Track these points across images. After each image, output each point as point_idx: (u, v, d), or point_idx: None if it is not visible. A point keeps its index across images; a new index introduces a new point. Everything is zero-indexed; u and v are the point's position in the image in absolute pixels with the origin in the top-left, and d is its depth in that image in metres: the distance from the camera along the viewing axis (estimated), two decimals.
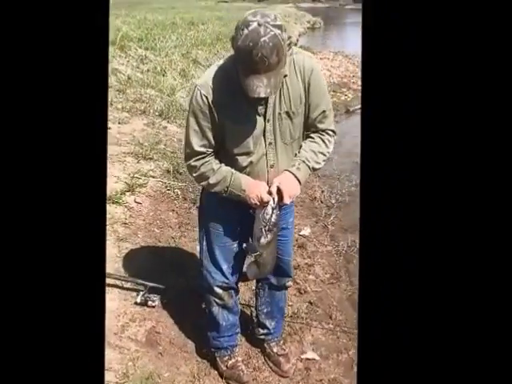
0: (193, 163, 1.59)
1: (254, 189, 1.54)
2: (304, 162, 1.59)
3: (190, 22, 10.89)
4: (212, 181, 1.57)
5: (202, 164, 1.57)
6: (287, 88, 1.51)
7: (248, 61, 1.30)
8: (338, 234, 3.16)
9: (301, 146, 1.62)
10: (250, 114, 1.52)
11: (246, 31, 1.28)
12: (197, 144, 1.55)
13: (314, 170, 1.64)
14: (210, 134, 1.54)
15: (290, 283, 2.02)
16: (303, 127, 1.60)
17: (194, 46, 8.18)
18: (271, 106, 1.51)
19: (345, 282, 2.65)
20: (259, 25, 1.28)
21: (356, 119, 6.00)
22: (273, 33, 1.28)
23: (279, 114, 1.53)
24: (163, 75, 6.04)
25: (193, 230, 2.82)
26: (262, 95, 1.35)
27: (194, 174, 1.61)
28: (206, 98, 1.49)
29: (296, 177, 1.57)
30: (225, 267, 1.78)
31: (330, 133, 1.64)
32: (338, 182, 3.93)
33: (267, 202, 1.52)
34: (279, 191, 1.53)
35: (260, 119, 1.53)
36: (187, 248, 2.73)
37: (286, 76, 1.48)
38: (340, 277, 2.69)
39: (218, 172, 1.57)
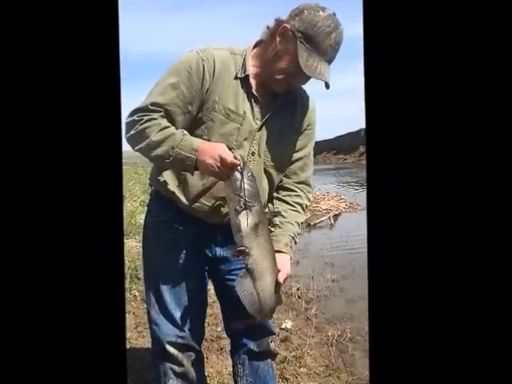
0: (137, 117, 1.17)
1: (210, 149, 1.12)
2: (293, 238, 1.31)
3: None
4: (155, 137, 1.15)
5: (149, 119, 1.17)
6: (291, 111, 1.31)
7: (322, 41, 1.17)
8: (323, 325, 2.79)
9: (283, 213, 1.33)
10: (244, 108, 1.24)
11: (324, 13, 1.17)
12: (157, 98, 1.19)
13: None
14: (178, 104, 1.20)
15: (275, 347, 1.48)
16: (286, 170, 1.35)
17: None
18: (270, 116, 1.26)
19: (344, 373, 2.16)
20: (334, 14, 1.19)
21: (317, 232, 6.28)
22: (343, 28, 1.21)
23: (271, 128, 1.27)
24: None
25: None
26: (322, 78, 1.18)
27: (132, 132, 1.17)
28: (203, 65, 1.21)
29: (291, 257, 1.30)
30: (178, 315, 1.31)
31: (308, 188, 1.39)
32: (312, 281, 3.73)
33: (231, 166, 1.09)
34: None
35: (251, 121, 1.25)
36: (144, 351, 2.20)
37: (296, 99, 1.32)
38: (338, 368, 2.21)
39: (166, 130, 1.17)
